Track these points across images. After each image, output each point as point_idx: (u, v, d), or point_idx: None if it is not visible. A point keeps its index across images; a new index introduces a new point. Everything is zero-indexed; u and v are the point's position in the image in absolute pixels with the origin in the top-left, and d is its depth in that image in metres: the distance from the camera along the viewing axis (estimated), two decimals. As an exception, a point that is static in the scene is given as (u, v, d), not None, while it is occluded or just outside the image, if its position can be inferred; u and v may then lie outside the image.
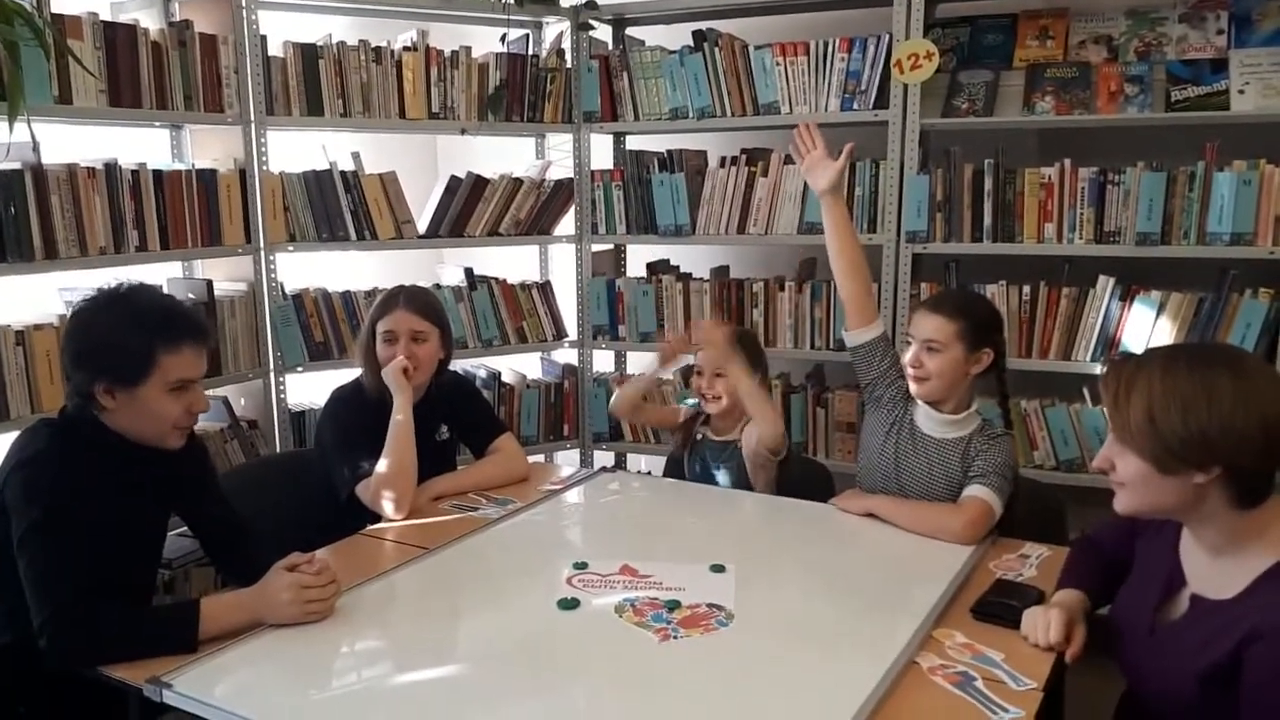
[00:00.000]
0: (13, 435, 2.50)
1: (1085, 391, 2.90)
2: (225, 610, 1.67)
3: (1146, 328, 2.77)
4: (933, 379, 2.13)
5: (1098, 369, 2.74)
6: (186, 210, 2.80)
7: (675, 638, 1.64)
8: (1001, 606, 1.70)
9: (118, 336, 1.71)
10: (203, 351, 1.80)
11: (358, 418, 2.34)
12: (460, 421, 2.56)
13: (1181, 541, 1.50)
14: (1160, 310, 2.75)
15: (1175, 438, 1.33)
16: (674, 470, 2.64)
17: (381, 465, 2.23)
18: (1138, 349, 2.73)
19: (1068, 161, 2.81)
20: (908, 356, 2.16)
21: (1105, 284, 2.81)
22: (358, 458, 2.26)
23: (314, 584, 1.69)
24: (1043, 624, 1.60)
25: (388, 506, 2.21)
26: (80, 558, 1.63)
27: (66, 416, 1.79)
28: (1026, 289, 2.91)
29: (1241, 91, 2.69)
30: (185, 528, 2.05)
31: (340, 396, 2.43)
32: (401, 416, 2.27)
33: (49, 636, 1.59)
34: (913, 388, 2.17)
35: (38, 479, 1.67)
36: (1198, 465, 1.34)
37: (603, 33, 3.49)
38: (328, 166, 3.09)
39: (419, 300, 2.42)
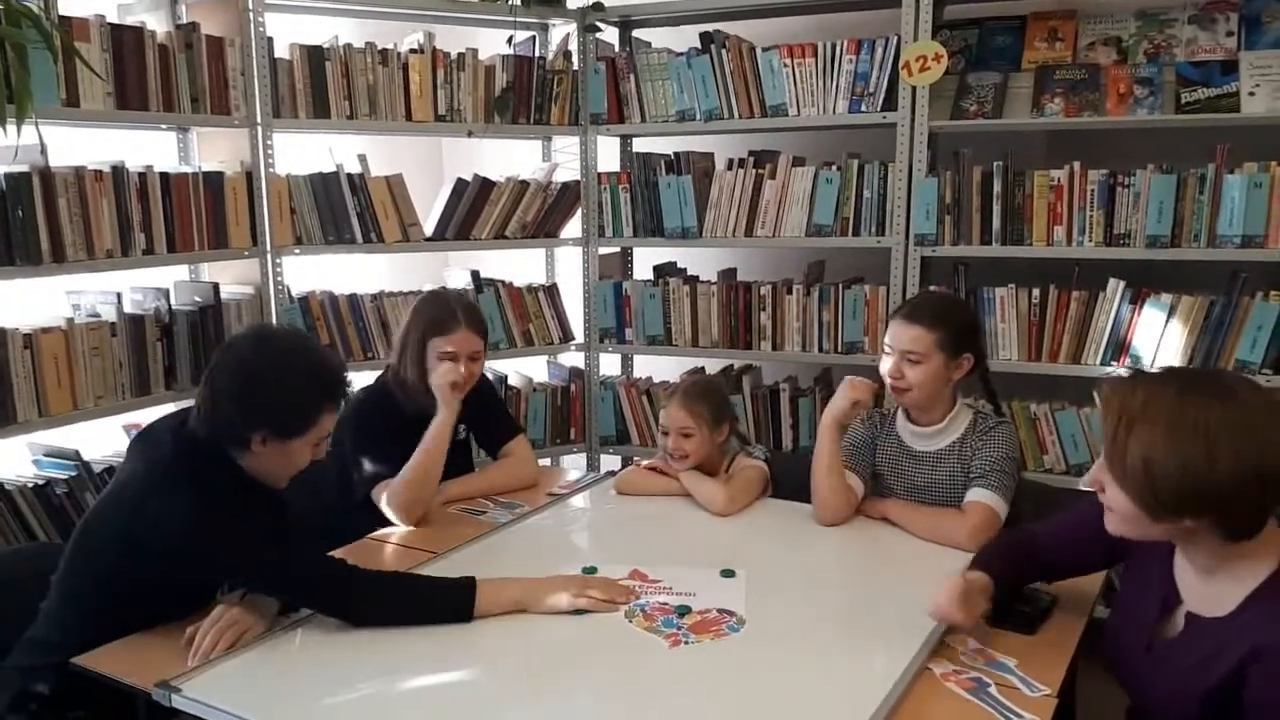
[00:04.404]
0: (17, 439, 2.52)
1: (1095, 395, 2.87)
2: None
3: (1157, 331, 2.75)
4: (914, 389, 2.11)
5: (1108, 373, 2.77)
6: (193, 213, 2.79)
7: (686, 643, 1.63)
8: (1014, 612, 1.69)
9: (295, 395, 1.73)
10: None
11: (382, 420, 2.31)
12: (478, 421, 2.54)
13: (1175, 559, 1.49)
14: (1171, 313, 2.74)
15: (1169, 492, 1.31)
16: None
17: (408, 471, 2.19)
18: (1147, 353, 2.75)
19: (1077, 164, 2.80)
20: (887, 367, 2.14)
21: (1115, 287, 2.80)
22: (378, 460, 2.24)
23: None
24: (937, 591, 1.58)
25: (400, 514, 2.19)
26: (288, 548, 1.73)
27: (201, 452, 1.74)
28: (1036, 292, 2.89)
29: (1252, 93, 2.67)
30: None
31: (365, 399, 2.38)
32: (442, 429, 2.23)
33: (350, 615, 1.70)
34: (894, 397, 2.16)
35: (212, 534, 1.66)
36: (1190, 515, 1.32)
37: (609, 35, 3.48)
38: (334, 169, 3.09)
39: (477, 320, 2.38)
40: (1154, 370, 1.40)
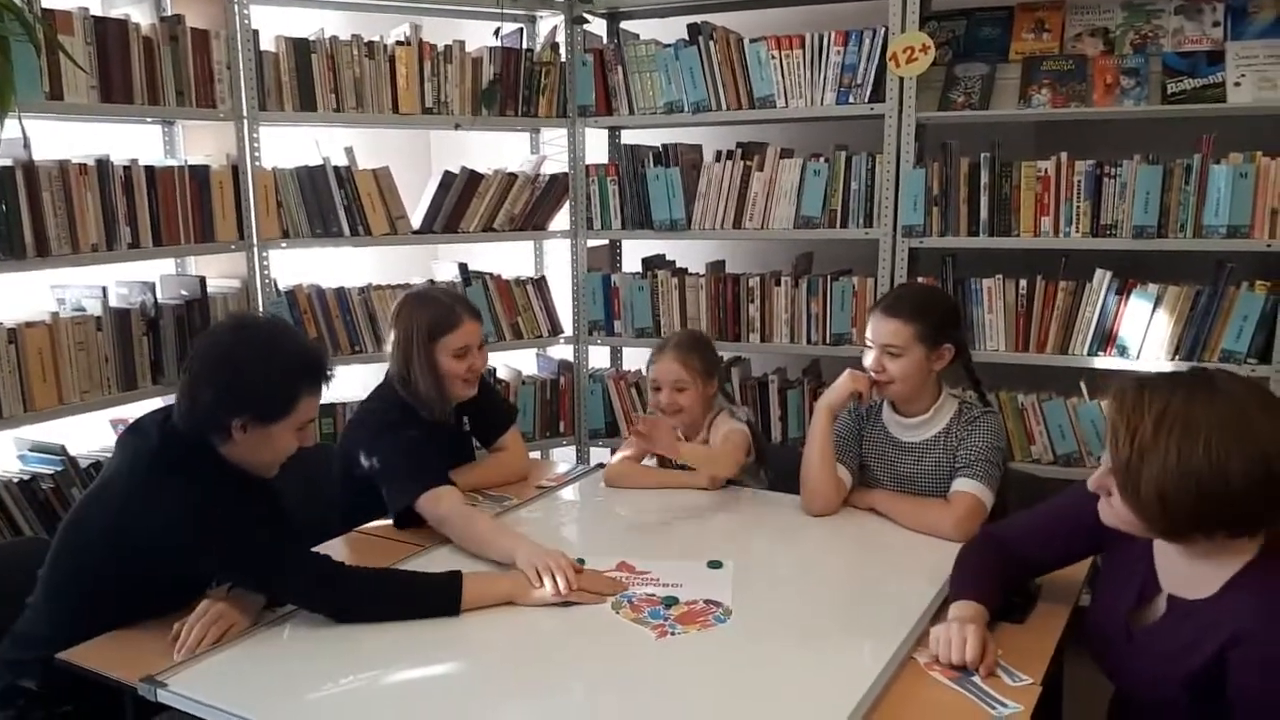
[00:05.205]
0: (3, 435, 2.51)
1: (1083, 385, 2.89)
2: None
3: (1143, 321, 2.76)
4: (896, 382, 2.13)
5: (1095, 363, 2.78)
6: (179, 206, 2.78)
7: (673, 634, 1.64)
8: (1005, 602, 1.69)
9: (272, 377, 1.72)
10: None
11: (412, 428, 2.22)
12: (477, 412, 2.52)
13: (1155, 545, 1.49)
14: (1157, 303, 2.74)
15: (1184, 515, 1.31)
16: None
17: (466, 532, 2.01)
18: (1134, 343, 2.75)
19: (1064, 155, 2.80)
20: (868, 361, 2.15)
21: (1102, 277, 2.81)
22: (422, 470, 2.12)
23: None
24: (958, 641, 1.52)
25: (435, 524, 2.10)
26: (280, 544, 1.72)
27: (187, 445, 1.72)
28: (1023, 283, 2.90)
29: (1238, 84, 2.68)
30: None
31: (382, 411, 2.28)
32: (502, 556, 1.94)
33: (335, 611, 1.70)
34: (877, 390, 2.17)
35: (198, 528, 1.66)
36: (1204, 534, 1.34)
37: (597, 26, 3.47)
38: (321, 162, 3.08)
39: (473, 308, 2.37)
40: (1159, 383, 1.36)
